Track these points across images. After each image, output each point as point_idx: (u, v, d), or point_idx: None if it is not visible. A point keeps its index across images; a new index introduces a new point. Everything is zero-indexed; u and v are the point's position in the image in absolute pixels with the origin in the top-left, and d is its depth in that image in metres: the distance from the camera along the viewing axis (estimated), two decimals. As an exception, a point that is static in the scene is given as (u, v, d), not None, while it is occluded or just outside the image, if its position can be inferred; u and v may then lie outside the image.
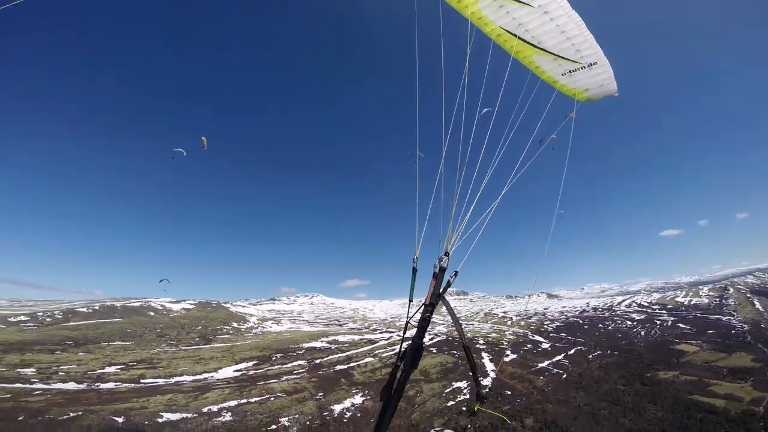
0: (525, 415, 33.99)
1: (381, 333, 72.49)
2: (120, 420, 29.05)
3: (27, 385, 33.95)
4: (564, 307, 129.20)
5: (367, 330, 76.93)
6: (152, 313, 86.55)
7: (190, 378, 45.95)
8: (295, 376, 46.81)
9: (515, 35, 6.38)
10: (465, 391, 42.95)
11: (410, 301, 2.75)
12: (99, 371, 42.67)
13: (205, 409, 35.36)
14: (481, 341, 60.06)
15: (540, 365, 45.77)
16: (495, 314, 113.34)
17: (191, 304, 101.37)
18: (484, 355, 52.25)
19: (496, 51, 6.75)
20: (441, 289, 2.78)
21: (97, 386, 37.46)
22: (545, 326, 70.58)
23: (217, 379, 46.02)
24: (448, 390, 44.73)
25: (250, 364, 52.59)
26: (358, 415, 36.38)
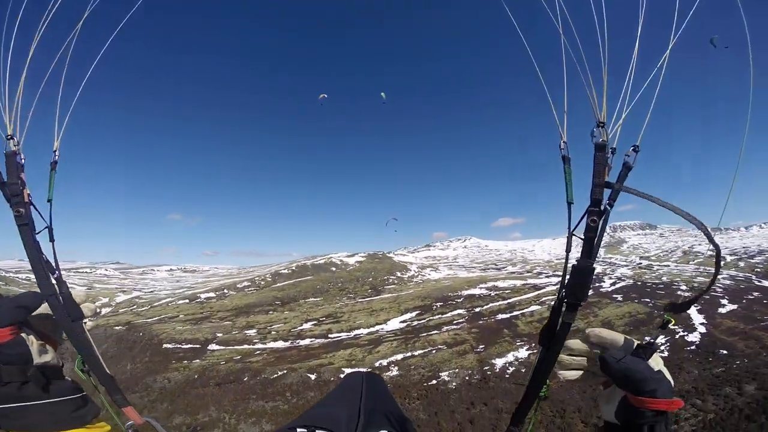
0: (745, 380, 25.17)
1: (547, 277, 66.42)
2: (312, 377, 35.56)
3: (250, 346, 45.37)
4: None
5: (529, 274, 71.85)
6: (334, 269, 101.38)
7: (366, 331, 51.92)
8: (455, 327, 47.09)
9: None
10: (663, 348, 35.26)
11: (569, 203, 1.09)
12: (299, 328, 53.07)
13: (377, 363, 39.91)
14: (684, 287, 47.47)
15: (773, 319, 32.81)
16: (698, 252, 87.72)
17: (362, 256, 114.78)
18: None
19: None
20: (608, 176, 0.99)
21: (297, 343, 47.03)
22: (781, 267, 50.17)
23: (387, 331, 50.59)
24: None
25: (414, 314, 55.60)
26: (522, 370, 34.27)
